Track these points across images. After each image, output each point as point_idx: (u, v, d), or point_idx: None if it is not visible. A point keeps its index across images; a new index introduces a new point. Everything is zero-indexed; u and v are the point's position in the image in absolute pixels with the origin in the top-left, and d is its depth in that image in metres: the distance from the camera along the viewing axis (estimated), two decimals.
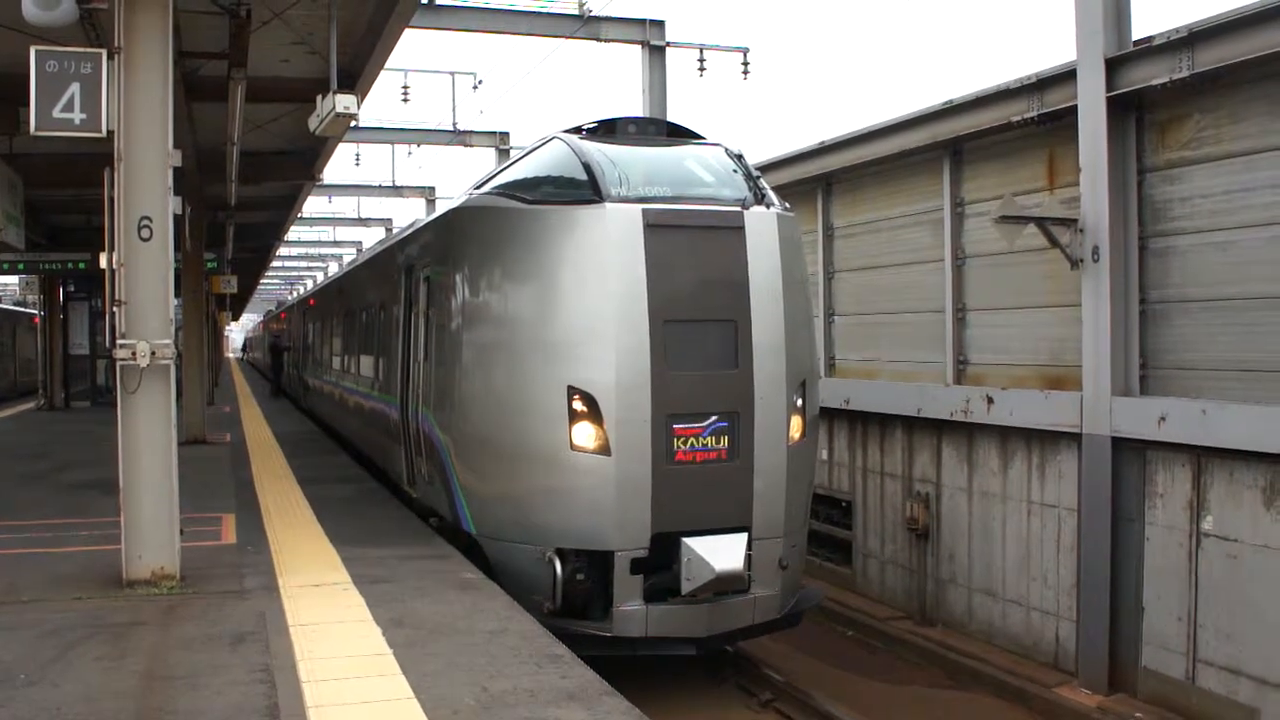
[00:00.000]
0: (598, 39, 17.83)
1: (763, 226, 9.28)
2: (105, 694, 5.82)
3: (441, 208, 13.49)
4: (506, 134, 25.27)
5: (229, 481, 13.87)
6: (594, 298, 8.83)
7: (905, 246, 13.23)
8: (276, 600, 7.80)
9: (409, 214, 34.23)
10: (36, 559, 9.24)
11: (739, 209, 9.27)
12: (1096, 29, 9.72)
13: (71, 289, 28.07)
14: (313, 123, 11.30)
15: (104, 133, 7.76)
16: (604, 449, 8.71)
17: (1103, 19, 9.67)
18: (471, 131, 25.16)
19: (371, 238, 37.50)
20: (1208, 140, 9.28)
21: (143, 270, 7.90)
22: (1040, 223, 10.08)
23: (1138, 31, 9.71)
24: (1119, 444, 9.71)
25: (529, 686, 5.98)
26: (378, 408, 14.28)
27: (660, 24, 18.08)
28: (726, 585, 8.82)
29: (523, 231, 9.21)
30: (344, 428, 18.93)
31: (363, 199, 35.71)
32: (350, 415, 17.83)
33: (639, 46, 18.07)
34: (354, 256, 35.21)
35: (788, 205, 10.03)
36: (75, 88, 7.69)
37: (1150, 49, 9.37)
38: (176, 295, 10.10)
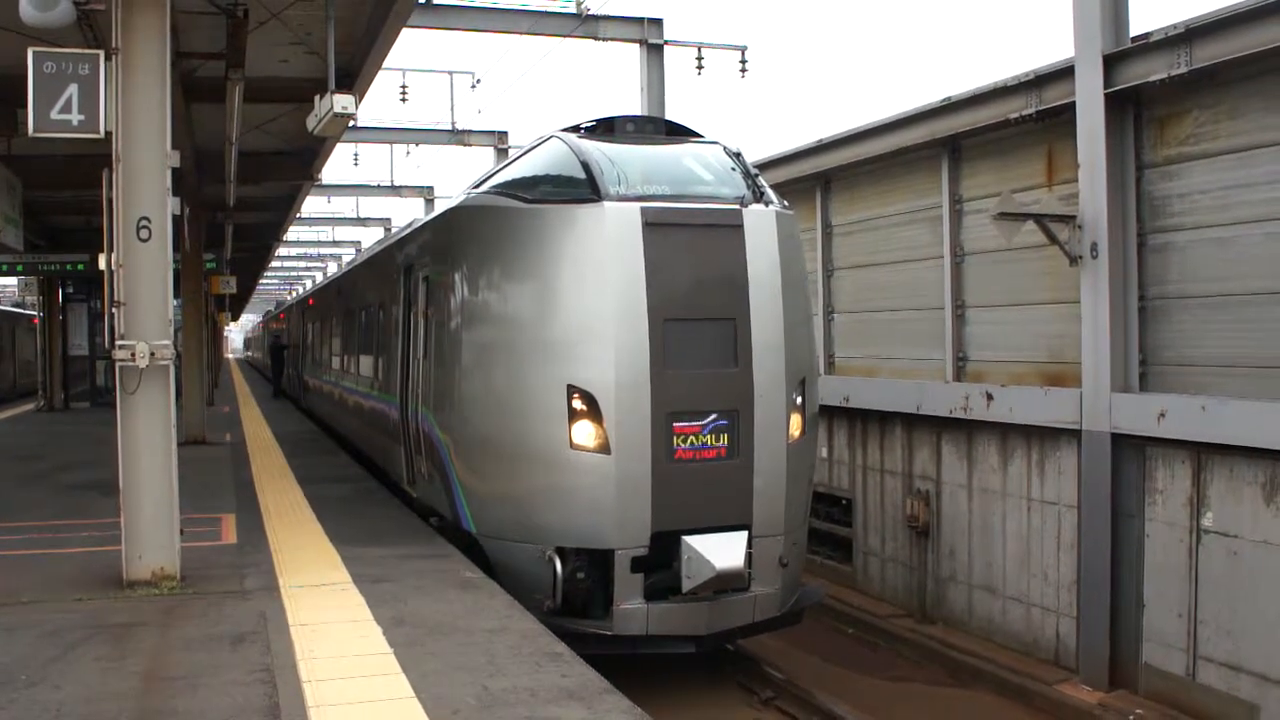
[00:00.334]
0: (596, 38, 17.83)
1: (761, 224, 9.28)
2: (106, 695, 5.82)
3: (440, 207, 13.50)
4: (505, 133, 25.26)
5: (229, 482, 13.87)
6: (593, 296, 8.83)
7: (904, 244, 13.23)
8: (277, 600, 7.80)
9: (408, 214, 34.25)
10: (37, 560, 9.25)
11: (738, 207, 9.27)
12: (1094, 25, 9.72)
13: (70, 290, 28.07)
14: (311, 123, 11.30)
15: (102, 134, 7.76)
16: (604, 448, 8.71)
17: (1100, 16, 9.67)
18: (470, 131, 25.15)
19: (370, 237, 37.51)
20: (1206, 136, 9.28)
21: (142, 271, 7.90)
22: (1039, 219, 10.09)
23: (1135, 28, 9.73)
24: (1119, 440, 9.71)
25: (529, 685, 5.98)
26: (377, 407, 14.28)
27: (658, 22, 18.09)
28: (727, 583, 8.83)
29: (522, 230, 9.21)
30: (344, 428, 18.93)
31: (361, 199, 35.75)
32: (350, 415, 17.84)
33: (637, 45, 18.08)
34: (353, 256, 35.21)
35: (786, 203, 10.03)
36: (73, 89, 7.69)
37: (1148, 45, 9.37)
38: (175, 296, 10.10)
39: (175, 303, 10.03)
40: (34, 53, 7.70)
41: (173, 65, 8.58)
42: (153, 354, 7.85)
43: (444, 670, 6.22)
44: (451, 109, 24.65)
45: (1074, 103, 10.05)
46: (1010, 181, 11.13)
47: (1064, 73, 10.25)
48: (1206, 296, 9.30)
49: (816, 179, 14.78)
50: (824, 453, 14.04)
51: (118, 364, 7.86)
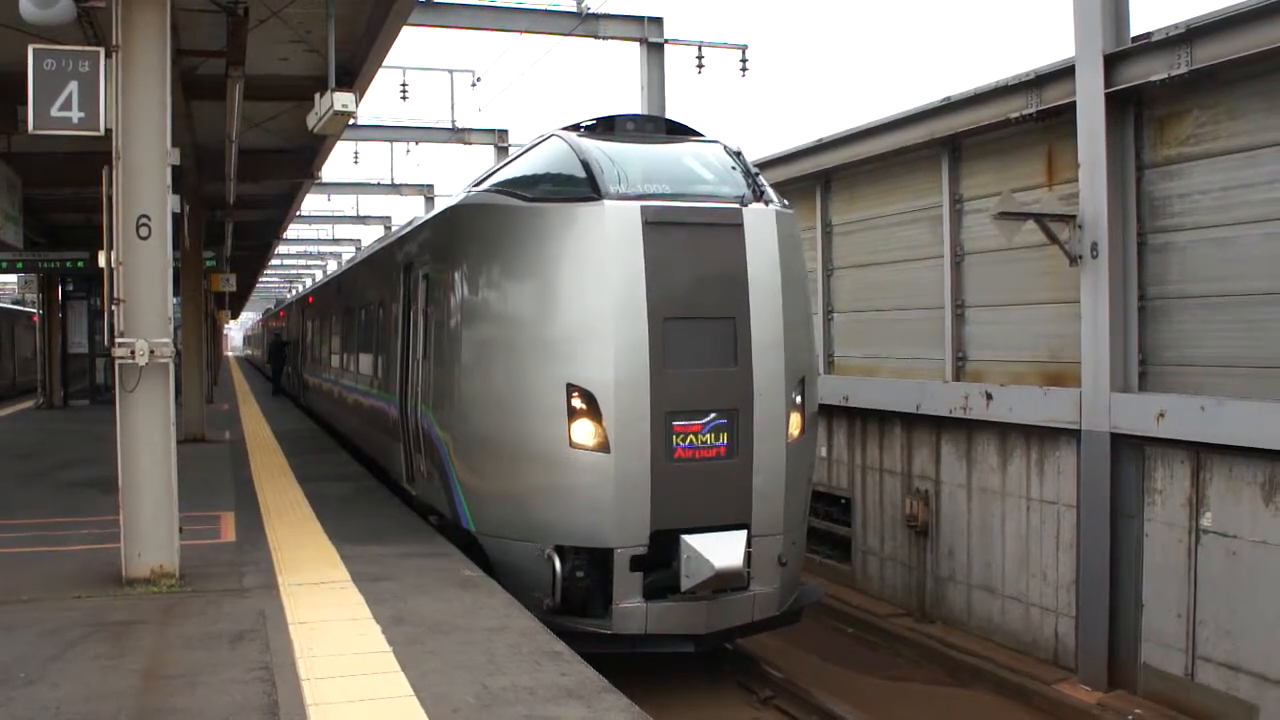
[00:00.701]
0: (596, 36, 17.81)
1: (761, 224, 9.28)
2: (105, 693, 5.82)
3: (440, 205, 13.49)
4: (505, 131, 25.24)
5: (228, 480, 13.87)
6: (593, 295, 8.83)
7: (904, 243, 13.23)
8: (276, 598, 7.80)
9: (408, 212, 34.30)
10: (36, 558, 9.25)
11: (738, 206, 9.27)
12: (1095, 25, 9.71)
13: (70, 288, 28.06)
14: (311, 120, 11.30)
15: (102, 131, 7.76)
16: (603, 446, 8.71)
17: (1101, 15, 9.66)
18: (470, 129, 25.13)
19: (370, 236, 37.50)
20: (1206, 136, 9.28)
21: (141, 269, 7.90)
22: (1039, 219, 10.08)
23: (1136, 28, 9.73)
24: (1118, 440, 9.71)
25: (528, 684, 5.98)
26: (377, 405, 14.28)
27: (659, 21, 18.07)
28: (726, 582, 8.83)
29: (521, 229, 9.21)
30: (343, 426, 18.93)
31: (361, 197, 35.72)
32: (349, 413, 17.83)
33: (637, 44, 18.06)
34: (353, 254, 35.20)
35: (786, 202, 10.03)
36: (73, 86, 7.68)
37: (1149, 45, 9.37)
38: (175, 294, 10.08)
39: (175, 300, 10.02)
40: (34, 50, 7.70)
41: (173, 63, 8.58)
42: (152, 352, 7.85)
43: (443, 669, 6.22)
44: (452, 107, 24.65)
45: (1074, 102, 10.04)
46: (1010, 181, 11.13)
47: (1064, 72, 10.24)
48: (1206, 297, 9.30)
49: (816, 178, 14.77)
50: (823, 452, 14.04)
51: (117, 362, 7.86)
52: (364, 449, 16.15)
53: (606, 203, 8.91)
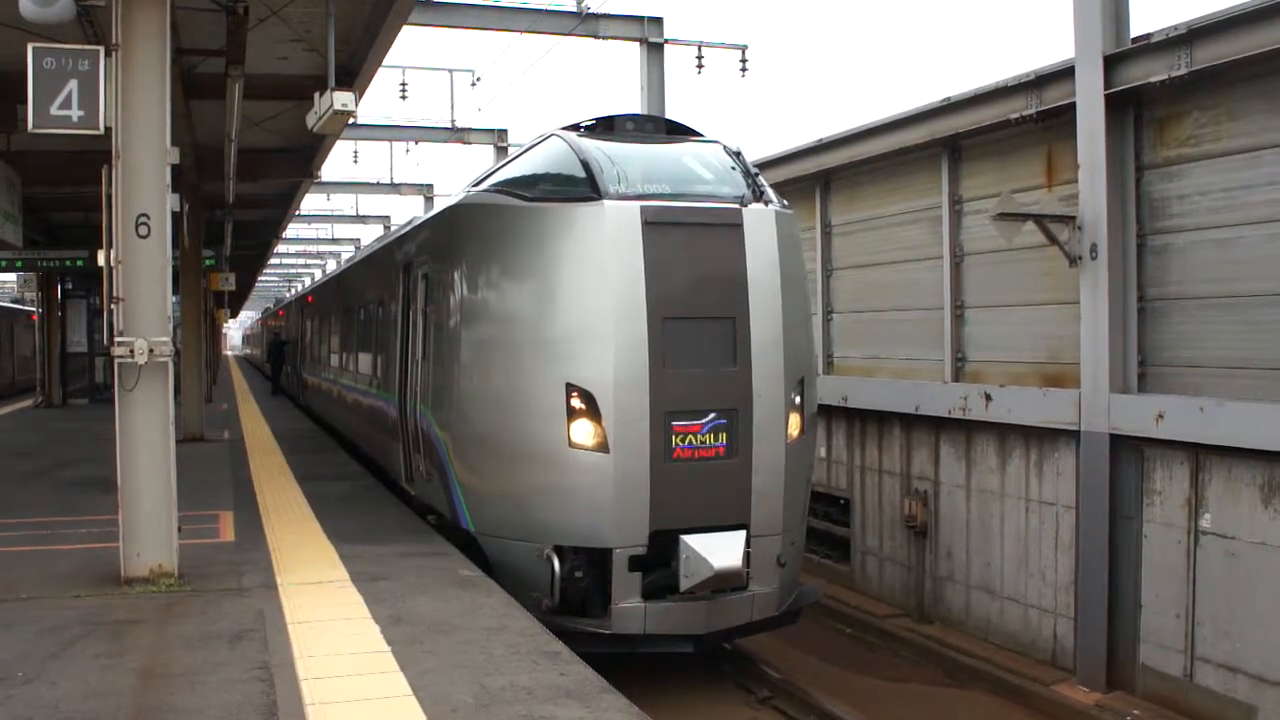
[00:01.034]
0: (596, 36, 17.81)
1: (761, 224, 9.28)
2: (103, 691, 5.81)
3: (440, 205, 13.48)
4: (505, 131, 25.23)
5: (227, 479, 13.87)
6: (592, 295, 8.82)
7: (903, 244, 13.23)
8: (275, 598, 7.80)
9: (407, 211, 34.28)
10: (35, 556, 9.24)
11: (737, 206, 9.27)
12: (1095, 26, 9.71)
13: (69, 286, 28.06)
14: (311, 120, 11.29)
15: (101, 130, 7.76)
16: (602, 446, 8.71)
17: (1101, 16, 9.66)
18: (470, 129, 25.12)
19: (369, 235, 37.48)
20: (1206, 137, 9.28)
21: (141, 267, 7.90)
22: (1039, 220, 10.08)
23: (1136, 29, 9.73)
24: (1117, 441, 9.71)
25: (527, 684, 5.98)
26: (376, 405, 14.28)
27: (658, 21, 18.07)
28: (725, 583, 8.82)
29: (521, 229, 9.21)
30: (342, 425, 18.92)
31: (361, 196, 35.67)
32: (349, 413, 17.83)
33: (637, 44, 18.06)
34: (352, 254, 35.20)
35: (786, 203, 10.03)
36: (73, 85, 7.68)
37: (1149, 46, 9.37)
38: (174, 292, 10.08)
39: (174, 299, 10.02)
40: (34, 48, 7.70)
41: (173, 62, 8.57)
42: (151, 351, 7.84)
43: (442, 668, 6.22)
44: (451, 107, 24.65)
45: (1074, 103, 10.04)
46: (1010, 182, 11.13)
47: (1064, 73, 10.24)
48: (1206, 298, 9.30)
49: (816, 178, 14.77)
50: (822, 452, 14.05)
51: (116, 360, 7.86)
52: (363, 448, 16.15)
53: (606, 203, 8.90)
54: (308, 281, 50.97)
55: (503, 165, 11.40)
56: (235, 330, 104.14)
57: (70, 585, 8.09)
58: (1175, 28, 9.08)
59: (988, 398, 11.19)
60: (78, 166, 15.12)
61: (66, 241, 25.09)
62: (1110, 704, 9.55)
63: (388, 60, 12.91)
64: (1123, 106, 9.79)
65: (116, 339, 7.83)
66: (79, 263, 23.47)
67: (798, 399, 9.41)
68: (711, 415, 8.94)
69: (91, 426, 20.00)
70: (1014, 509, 11.12)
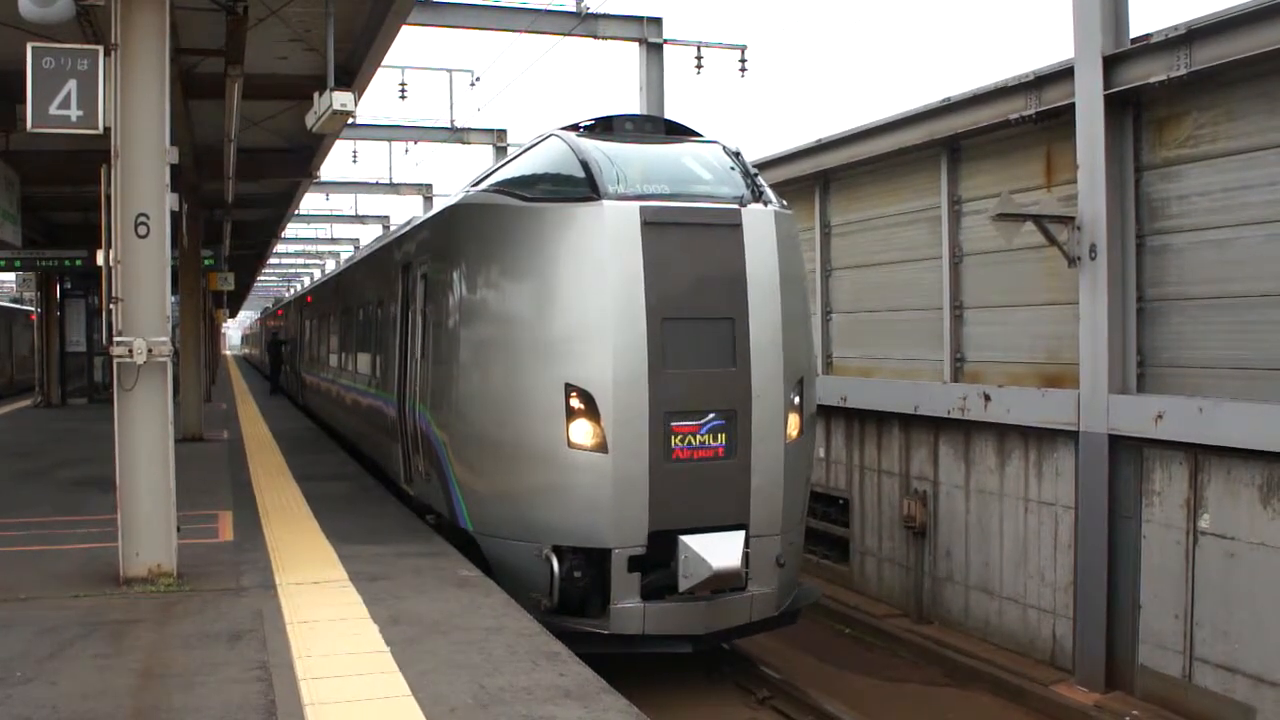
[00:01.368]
0: (595, 36, 17.80)
1: (760, 224, 9.28)
2: (102, 691, 5.81)
3: (439, 205, 13.48)
4: (504, 131, 25.23)
5: (226, 479, 13.86)
6: (591, 295, 8.82)
7: (903, 244, 13.23)
8: (274, 598, 7.80)
9: (406, 211, 34.26)
10: (34, 556, 9.24)
11: (736, 206, 9.27)
12: (1094, 26, 9.71)
13: (68, 286, 28.04)
14: (310, 120, 11.29)
15: (100, 129, 7.76)
16: (601, 446, 8.71)
17: (1101, 17, 9.66)
18: (469, 129, 25.12)
19: (369, 235, 37.46)
20: (1205, 138, 9.28)
21: (140, 267, 7.90)
22: (1038, 220, 10.08)
23: (1135, 29, 9.73)
24: (1116, 442, 9.71)
25: (526, 684, 5.97)
26: (375, 405, 14.27)
27: (658, 21, 18.06)
28: (723, 583, 8.82)
29: (520, 229, 9.20)
30: (341, 425, 18.92)
31: (360, 196, 35.67)
32: (348, 413, 17.83)
33: (636, 44, 18.04)
34: (351, 254, 35.20)
35: (785, 203, 10.03)
36: (72, 84, 7.68)
37: (1148, 46, 9.37)
38: (173, 292, 10.08)
39: (173, 299, 10.02)
40: (33, 48, 7.70)
41: (172, 61, 8.58)
42: (150, 350, 7.84)
43: (440, 668, 6.22)
44: (450, 106, 24.76)
45: (1073, 104, 10.04)
46: (1009, 182, 11.13)
47: (1064, 74, 10.24)
48: (1205, 298, 9.30)
49: (815, 179, 14.77)
50: (821, 453, 14.04)
51: (115, 360, 7.86)
52: (362, 448, 16.15)
53: (605, 203, 8.90)
54: (307, 281, 50.97)
55: (502, 165, 11.40)
56: (234, 330, 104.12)
57: (69, 585, 8.09)
58: (1175, 28, 9.09)
59: (987, 398, 11.20)
60: (77, 166, 15.12)
61: (65, 241, 25.09)
62: (1109, 704, 9.55)
63: (387, 60, 12.92)
64: (1122, 107, 9.79)
65: (115, 339, 7.83)
66: (78, 262, 23.47)
67: (797, 399, 9.41)
68: (710, 415, 8.93)
69: (90, 426, 19.99)
70: (1013, 509, 11.12)
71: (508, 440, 9.15)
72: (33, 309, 35.18)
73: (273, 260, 47.29)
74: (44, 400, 27.42)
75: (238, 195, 19.06)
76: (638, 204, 8.93)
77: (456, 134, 24.98)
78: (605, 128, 10.01)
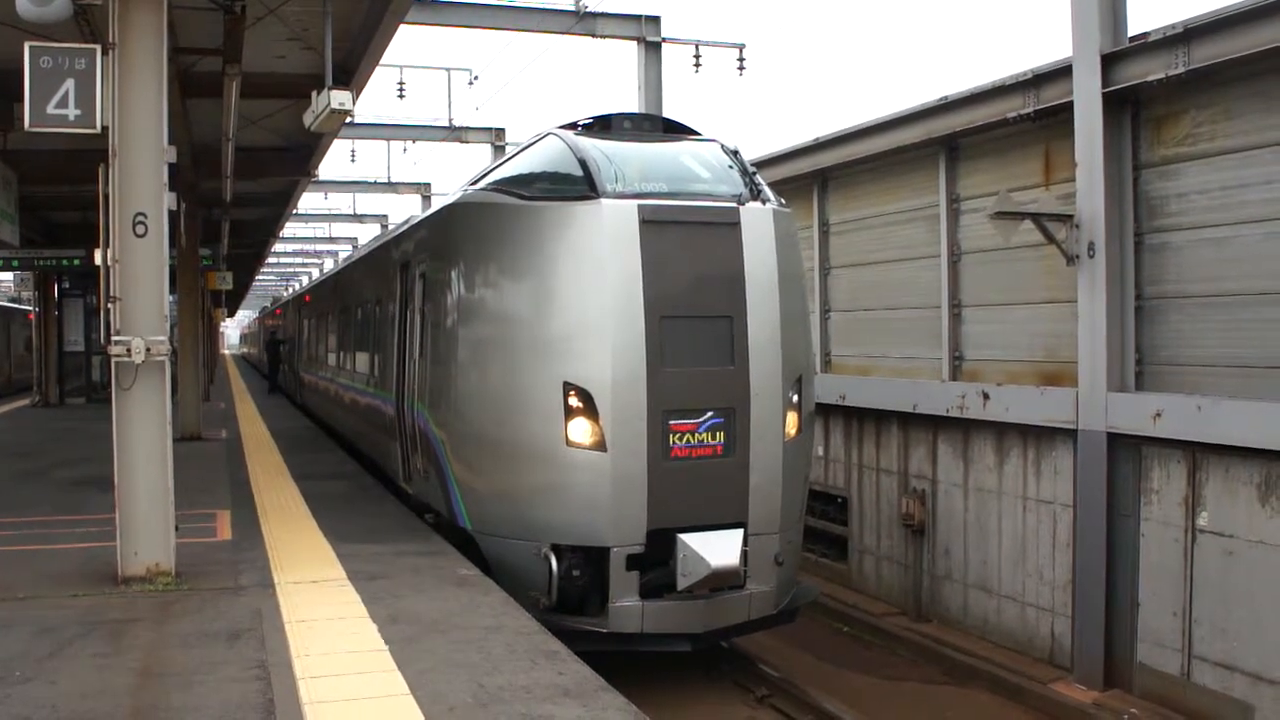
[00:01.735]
0: (593, 35, 17.79)
1: (758, 222, 9.28)
2: (101, 691, 5.81)
3: (437, 204, 13.47)
4: (502, 130, 25.24)
5: (224, 478, 13.86)
6: (590, 293, 8.82)
7: (901, 242, 13.23)
8: (272, 597, 7.80)
9: (404, 210, 34.25)
10: (32, 556, 9.24)
11: (735, 205, 9.27)
12: (1093, 25, 9.71)
13: (67, 285, 28.01)
14: (308, 119, 11.27)
15: (98, 129, 7.75)
16: (600, 445, 8.71)
17: (1099, 15, 9.67)
18: (467, 127, 25.12)
19: (367, 234, 37.45)
20: (1203, 136, 9.29)
21: (138, 266, 7.90)
22: (1036, 219, 10.09)
23: (1134, 28, 9.73)
24: (1114, 440, 9.72)
25: (525, 683, 5.98)
26: (374, 404, 14.27)
27: (656, 20, 18.06)
28: (722, 581, 8.83)
29: (518, 227, 9.20)
30: (340, 424, 18.92)
31: (358, 195, 35.65)
32: (346, 412, 17.82)
33: (635, 42, 18.05)
34: (350, 252, 35.18)
35: (783, 201, 10.03)
36: (70, 84, 7.67)
37: (1146, 45, 9.38)
38: (171, 291, 10.08)
39: (171, 298, 10.02)
40: (30, 47, 7.69)
41: (170, 60, 8.57)
42: (148, 350, 7.84)
43: (439, 667, 6.22)
44: (449, 105, 24.86)
45: (1072, 102, 10.04)
46: (1008, 180, 11.13)
47: (1062, 72, 10.24)
48: (1203, 296, 9.31)
49: (814, 177, 14.77)
50: (820, 451, 14.05)
51: (113, 360, 7.86)
52: (361, 447, 16.14)
53: (603, 201, 8.90)
54: (305, 280, 50.96)
55: (500, 164, 11.40)
56: (233, 329, 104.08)
57: (68, 584, 8.09)
58: (1172, 27, 9.09)
59: (985, 396, 11.20)
60: (75, 165, 15.07)
61: (63, 240, 25.06)
62: (1107, 702, 9.56)
63: (385, 59, 12.91)
64: (1120, 105, 9.79)
65: (114, 338, 7.82)
66: (76, 262, 23.44)
67: (795, 397, 9.41)
68: (709, 414, 8.94)
69: (88, 425, 19.97)
70: (1011, 507, 11.13)
71: (506, 439, 9.15)
72: (31, 308, 35.15)
73: (271, 259, 47.27)
74: (42, 400, 27.41)
75: (236, 194, 19.04)
76: (636, 202, 8.93)
77: (455, 133, 24.98)
78: (603, 126, 10.01)
